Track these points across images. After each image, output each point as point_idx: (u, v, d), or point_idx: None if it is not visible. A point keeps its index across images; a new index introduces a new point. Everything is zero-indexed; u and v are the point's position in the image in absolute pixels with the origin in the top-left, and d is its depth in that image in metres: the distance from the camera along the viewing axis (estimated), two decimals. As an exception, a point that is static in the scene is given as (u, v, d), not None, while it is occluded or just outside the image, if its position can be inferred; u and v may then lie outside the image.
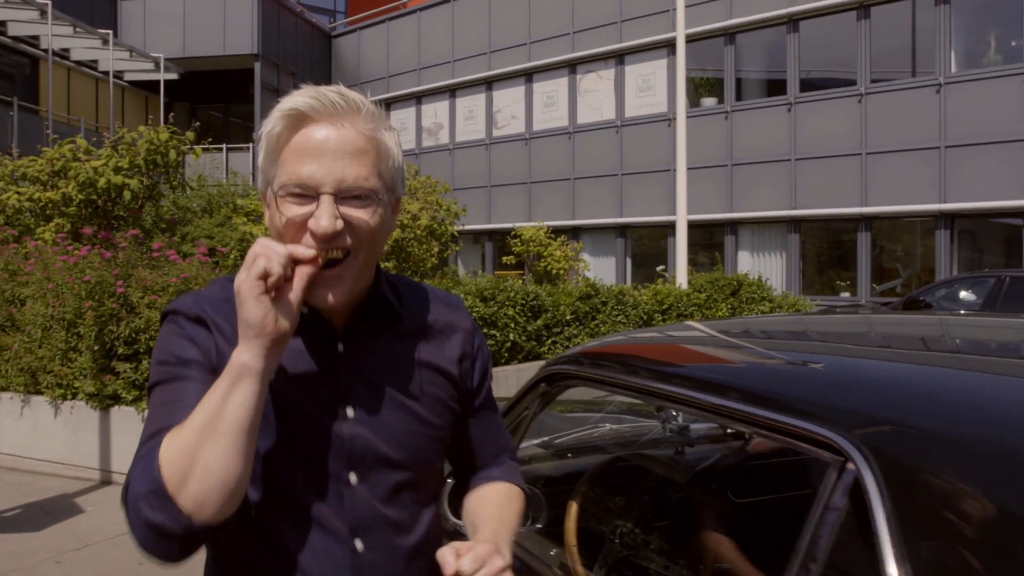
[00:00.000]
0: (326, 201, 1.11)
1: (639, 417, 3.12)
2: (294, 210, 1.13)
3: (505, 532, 1.27)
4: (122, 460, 6.41)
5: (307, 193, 1.12)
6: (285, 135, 1.15)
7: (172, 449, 1.02)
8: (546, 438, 2.77)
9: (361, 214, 1.14)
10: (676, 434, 2.56)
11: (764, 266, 18.41)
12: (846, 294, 17.47)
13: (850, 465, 1.12)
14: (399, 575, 1.23)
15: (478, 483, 1.43)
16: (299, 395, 1.18)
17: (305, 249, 1.10)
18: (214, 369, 1.13)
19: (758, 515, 2.29)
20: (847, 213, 17.21)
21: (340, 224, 1.12)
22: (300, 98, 1.14)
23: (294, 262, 1.09)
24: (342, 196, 1.13)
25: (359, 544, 1.19)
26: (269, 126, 1.16)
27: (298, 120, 1.14)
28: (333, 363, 1.21)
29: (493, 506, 1.36)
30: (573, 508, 2.08)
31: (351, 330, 1.23)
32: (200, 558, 1.16)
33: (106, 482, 6.44)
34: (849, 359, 1.62)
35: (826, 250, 18.53)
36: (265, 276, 1.04)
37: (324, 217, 1.10)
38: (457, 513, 1.51)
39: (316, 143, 1.13)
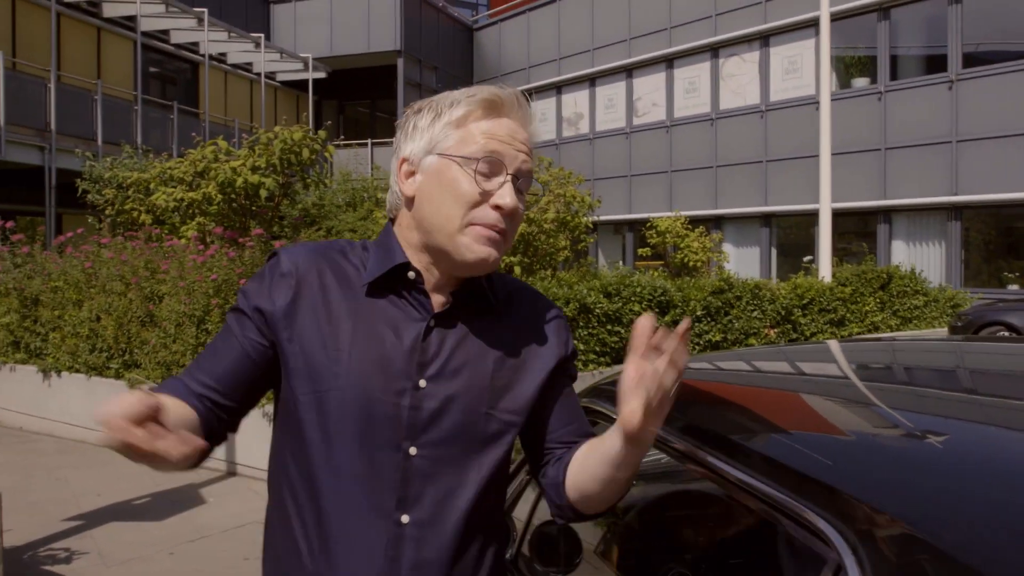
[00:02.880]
0: (510, 182, 1.23)
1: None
2: (481, 182, 1.22)
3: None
4: (247, 453, 6.63)
5: (494, 171, 1.23)
6: (479, 114, 1.25)
7: None
8: None
9: (521, 204, 1.26)
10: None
11: (921, 257, 17.20)
12: (1014, 287, 16.08)
13: (841, 563, 0.90)
14: (443, 552, 1.23)
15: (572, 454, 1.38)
16: (378, 357, 1.23)
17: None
18: (268, 319, 1.26)
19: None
20: (1017, 198, 15.80)
21: (519, 204, 1.25)
22: (497, 90, 1.26)
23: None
24: (517, 181, 1.25)
25: (405, 518, 1.21)
26: (462, 102, 1.25)
27: (495, 106, 1.25)
28: (421, 334, 1.26)
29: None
30: (615, 549, 1.89)
31: (448, 310, 1.28)
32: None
33: (231, 473, 6.68)
34: (892, 420, 1.35)
35: (993, 238, 17.12)
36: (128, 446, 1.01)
37: (509, 195, 1.22)
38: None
39: (508, 130, 1.25)
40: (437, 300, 1.29)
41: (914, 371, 1.83)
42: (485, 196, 1.22)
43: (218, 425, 1.27)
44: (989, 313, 12.16)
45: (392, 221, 1.35)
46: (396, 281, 1.28)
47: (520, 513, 1.96)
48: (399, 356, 1.23)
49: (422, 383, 1.23)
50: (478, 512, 1.27)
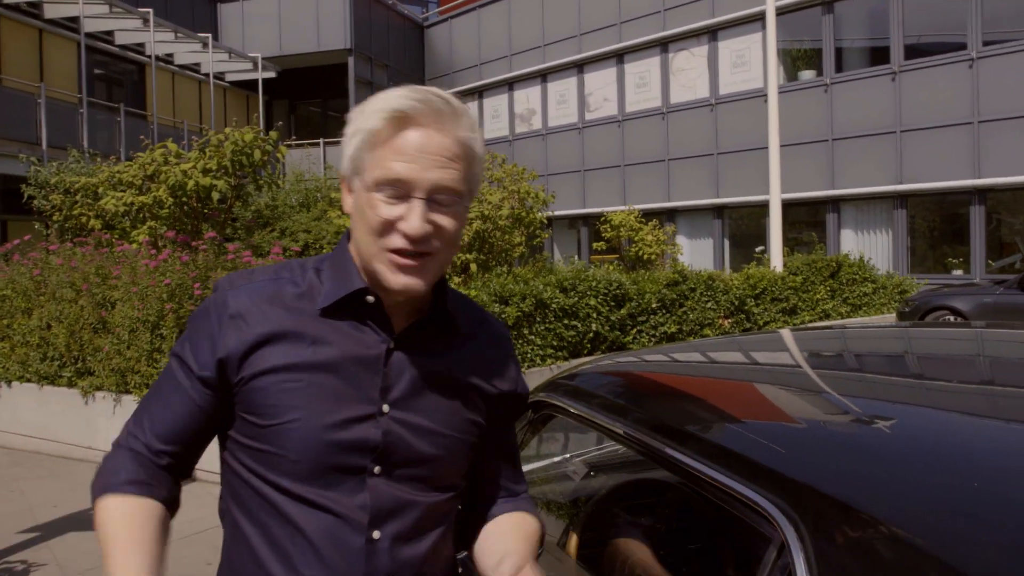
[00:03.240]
0: (418, 204, 1.16)
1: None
2: (387, 210, 1.17)
3: (535, 567, 1.26)
4: (204, 458, 6.57)
5: (399, 193, 1.17)
6: (386, 132, 1.17)
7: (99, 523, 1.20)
8: (545, 461, 2.63)
9: (447, 219, 1.19)
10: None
11: (869, 244, 17.59)
12: (959, 272, 16.53)
13: (783, 539, 0.96)
14: (415, 567, 1.24)
15: (497, 512, 1.40)
16: (340, 384, 1.21)
17: None
18: (220, 366, 1.22)
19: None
20: (959, 186, 16.24)
21: (428, 228, 1.17)
22: (405, 100, 1.17)
23: None
24: (432, 201, 1.17)
25: (376, 534, 1.20)
26: (370, 121, 1.18)
27: (402, 121, 1.17)
28: (381, 358, 1.24)
29: (519, 538, 1.32)
30: (574, 538, 1.94)
31: (408, 332, 1.26)
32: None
33: (191, 479, 6.61)
34: (839, 406, 1.41)
35: (937, 226, 17.56)
36: None
37: (415, 220, 1.16)
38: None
39: (416, 146, 1.16)
40: (397, 322, 1.27)
41: (863, 358, 1.90)
42: (393, 222, 1.17)
43: (180, 477, 1.29)
44: (935, 298, 12.48)
45: (349, 237, 1.30)
46: (354, 303, 1.24)
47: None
48: (361, 382, 1.22)
49: (385, 408, 1.22)
50: (446, 523, 1.30)
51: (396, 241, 1.16)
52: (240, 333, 1.21)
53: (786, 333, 2.19)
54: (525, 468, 2.55)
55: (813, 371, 1.71)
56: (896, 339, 2.12)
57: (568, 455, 2.59)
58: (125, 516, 1.18)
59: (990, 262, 16.24)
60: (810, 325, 10.74)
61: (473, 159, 1.23)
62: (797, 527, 0.95)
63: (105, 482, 1.22)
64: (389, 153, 1.16)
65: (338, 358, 1.21)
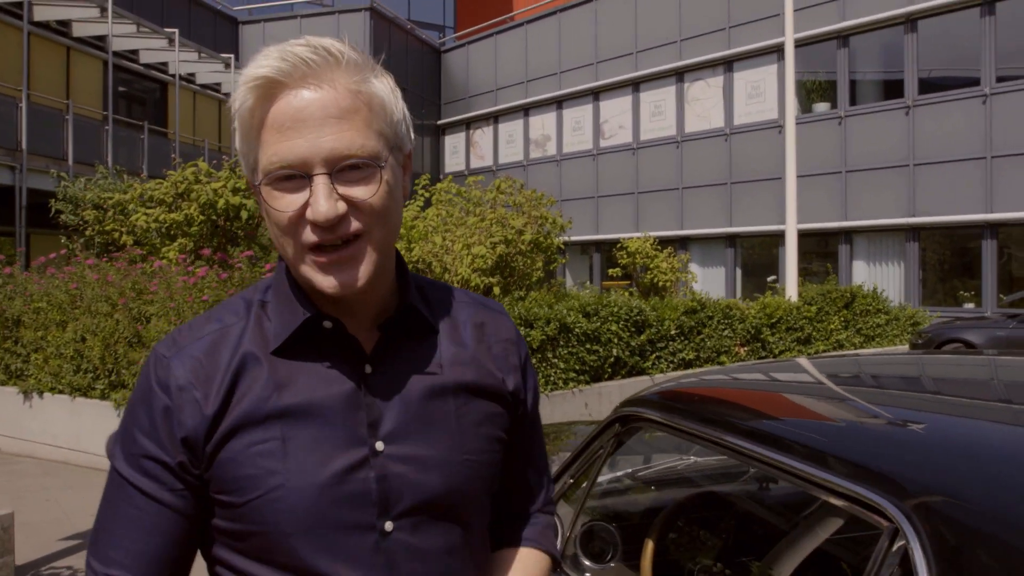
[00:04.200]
0: (320, 182, 0.95)
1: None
2: (285, 200, 0.97)
3: None
4: None
5: (296, 174, 0.95)
6: (258, 109, 0.97)
7: None
8: (623, 471, 2.78)
9: (363, 190, 0.97)
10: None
11: (881, 276, 17.73)
12: (970, 305, 16.64)
13: (900, 534, 1.10)
14: None
15: (507, 541, 1.23)
16: (320, 431, 1.00)
17: None
18: (184, 459, 1.00)
19: (833, 553, 2.24)
20: (971, 220, 16.40)
21: (342, 207, 0.96)
22: (265, 61, 0.96)
23: None
24: (336, 170, 0.96)
25: None
26: (239, 101, 0.99)
27: (269, 89, 0.96)
28: (360, 388, 1.03)
29: None
30: (649, 545, 2.08)
31: (380, 348, 1.06)
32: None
33: None
34: (935, 417, 1.56)
35: (948, 259, 17.70)
36: None
37: (322, 202, 0.94)
38: None
39: (294, 113, 0.95)
40: (366, 339, 1.07)
41: (924, 379, 2.05)
42: (300, 215, 0.96)
43: None
44: (947, 331, 12.60)
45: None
46: (310, 333, 1.04)
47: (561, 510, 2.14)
48: (344, 422, 1.01)
49: (379, 446, 1.02)
50: (475, 555, 1.12)
51: (310, 236, 0.96)
52: (196, 404, 1.00)
53: (858, 356, 2.35)
54: (611, 475, 2.68)
55: (887, 389, 1.87)
56: (947, 364, 2.27)
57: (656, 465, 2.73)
58: None
59: (1001, 296, 16.36)
60: (825, 354, 10.88)
61: (379, 108, 1.01)
62: (910, 517, 1.09)
63: None
64: (269, 134, 0.96)
65: (309, 401, 1.01)
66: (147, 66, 21.43)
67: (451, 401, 1.08)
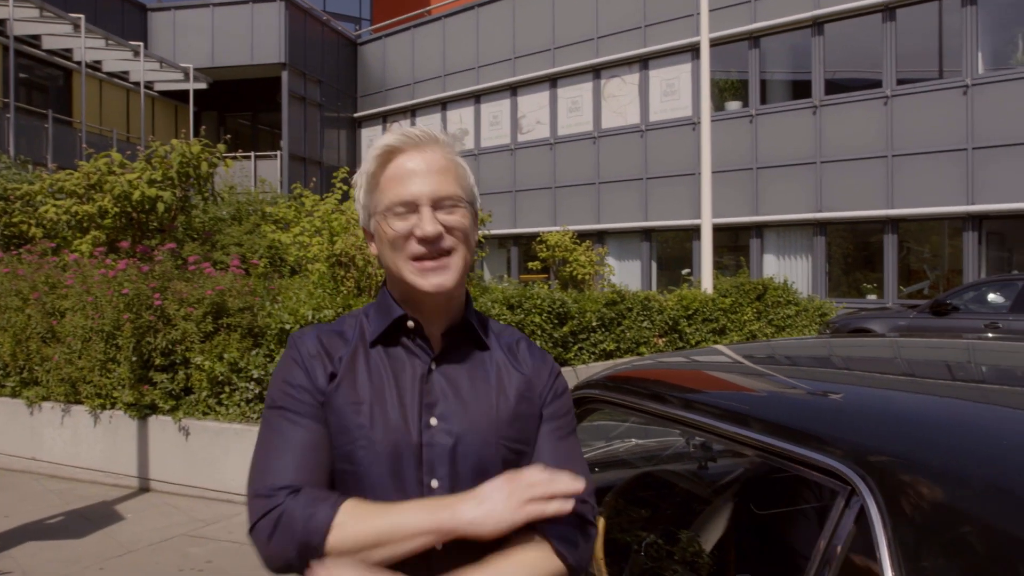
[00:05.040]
0: (427, 211, 1.35)
1: (664, 429, 3.20)
2: (400, 224, 1.36)
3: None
4: (160, 468, 6.58)
5: (409, 209, 1.36)
6: (378, 171, 1.39)
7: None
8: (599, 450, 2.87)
9: (455, 218, 1.37)
10: (700, 448, 2.65)
11: (790, 269, 18.38)
12: (873, 296, 17.40)
13: (856, 495, 1.21)
14: (473, 564, 1.30)
15: (517, 539, 1.36)
16: (392, 403, 1.36)
17: None
18: (321, 395, 1.37)
19: (780, 527, 2.38)
20: (873, 216, 17.15)
21: (440, 228, 1.35)
22: (389, 137, 1.39)
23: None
24: (437, 206, 1.36)
25: (437, 544, 1.28)
26: (366, 167, 1.41)
27: (389, 154, 1.38)
28: (425, 378, 1.39)
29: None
30: (600, 522, 2.17)
31: (445, 350, 1.42)
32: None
33: (144, 489, 6.61)
34: (865, 389, 1.70)
35: (852, 252, 18.46)
36: None
37: (427, 223, 1.34)
38: None
39: (410, 168, 1.37)
40: (436, 343, 1.43)
41: (851, 359, 2.19)
42: (409, 232, 1.35)
43: None
44: (854, 320, 13.15)
45: (386, 283, 1.48)
46: (398, 333, 1.42)
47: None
48: (408, 400, 1.36)
49: (433, 421, 1.35)
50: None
51: (415, 248, 1.35)
52: (322, 367, 1.39)
53: (783, 341, 2.49)
54: None
55: (825, 368, 2.01)
56: (850, 347, 2.43)
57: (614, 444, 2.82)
58: (363, 510, 1.28)
59: (901, 288, 17.15)
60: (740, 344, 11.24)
61: (462, 172, 1.42)
62: (864, 477, 1.21)
63: (317, 523, 1.26)
64: (389, 183, 1.37)
65: (387, 381, 1.37)
66: (50, 52, 20.61)
67: (493, 397, 1.41)
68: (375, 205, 1.40)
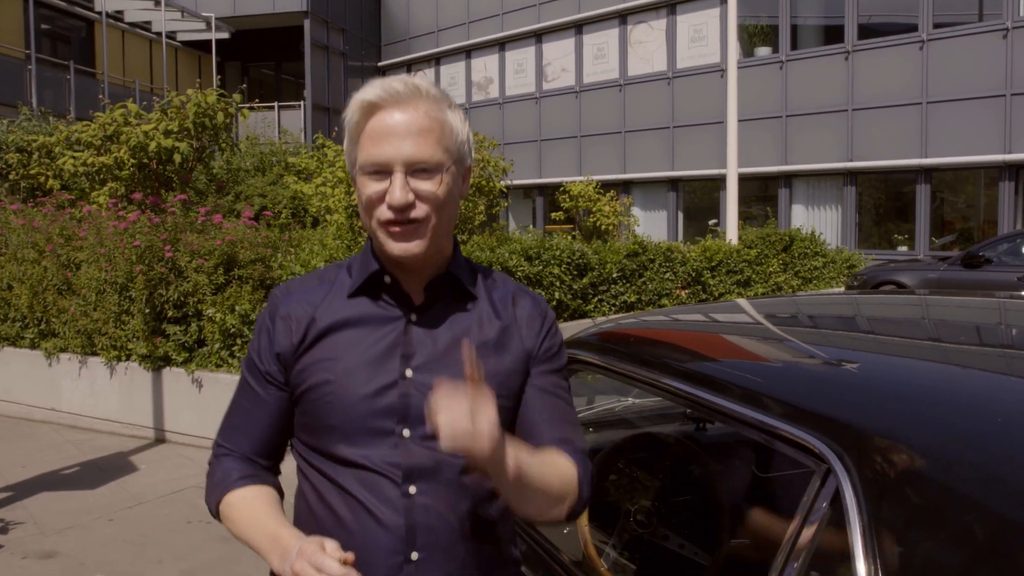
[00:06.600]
0: (398, 177, 1.30)
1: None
2: (373, 187, 1.32)
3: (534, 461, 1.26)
4: (175, 420, 6.60)
5: (383, 170, 1.31)
6: (361, 123, 1.34)
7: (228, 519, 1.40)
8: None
9: (428, 185, 1.31)
10: (686, 412, 2.54)
11: (819, 220, 18.03)
12: (904, 248, 17.05)
13: (832, 474, 1.10)
14: (451, 520, 1.33)
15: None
16: (369, 355, 1.35)
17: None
18: (285, 359, 1.39)
19: (777, 489, 2.27)
20: (906, 165, 16.72)
21: (411, 196, 1.31)
22: (371, 90, 1.34)
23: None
24: (411, 171, 1.31)
25: (412, 488, 1.31)
26: (348, 115, 1.37)
27: (370, 109, 1.33)
28: (404, 330, 1.38)
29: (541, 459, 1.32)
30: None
31: (426, 303, 1.40)
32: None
33: (160, 440, 6.64)
34: (860, 354, 1.57)
35: (884, 203, 18.06)
36: None
37: (398, 190, 1.30)
38: None
39: (386, 127, 1.31)
40: (416, 295, 1.40)
41: (861, 319, 2.07)
42: (380, 197, 1.32)
43: (276, 472, 1.49)
44: (882, 273, 12.89)
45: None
46: (376, 286, 1.40)
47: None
48: (384, 351, 1.35)
49: (408, 373, 1.34)
50: (479, 483, 1.33)
51: (385, 213, 1.31)
52: (289, 330, 1.39)
53: (796, 298, 2.35)
54: None
55: (822, 329, 1.87)
56: (881, 304, 2.29)
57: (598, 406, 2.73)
58: (253, 498, 1.38)
59: (934, 239, 16.78)
60: (800, 294, 11.07)
61: (448, 131, 1.35)
62: (841, 457, 1.09)
63: (222, 487, 1.41)
64: (366, 140, 1.32)
65: (364, 333, 1.37)
66: (71, 2, 20.49)
67: (476, 348, 1.31)
68: (355, 158, 1.37)
